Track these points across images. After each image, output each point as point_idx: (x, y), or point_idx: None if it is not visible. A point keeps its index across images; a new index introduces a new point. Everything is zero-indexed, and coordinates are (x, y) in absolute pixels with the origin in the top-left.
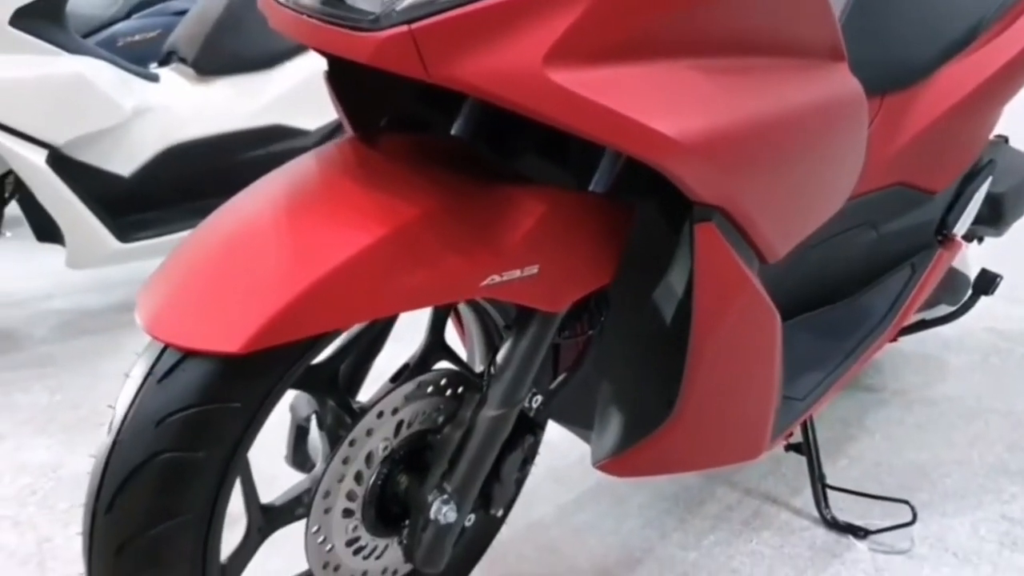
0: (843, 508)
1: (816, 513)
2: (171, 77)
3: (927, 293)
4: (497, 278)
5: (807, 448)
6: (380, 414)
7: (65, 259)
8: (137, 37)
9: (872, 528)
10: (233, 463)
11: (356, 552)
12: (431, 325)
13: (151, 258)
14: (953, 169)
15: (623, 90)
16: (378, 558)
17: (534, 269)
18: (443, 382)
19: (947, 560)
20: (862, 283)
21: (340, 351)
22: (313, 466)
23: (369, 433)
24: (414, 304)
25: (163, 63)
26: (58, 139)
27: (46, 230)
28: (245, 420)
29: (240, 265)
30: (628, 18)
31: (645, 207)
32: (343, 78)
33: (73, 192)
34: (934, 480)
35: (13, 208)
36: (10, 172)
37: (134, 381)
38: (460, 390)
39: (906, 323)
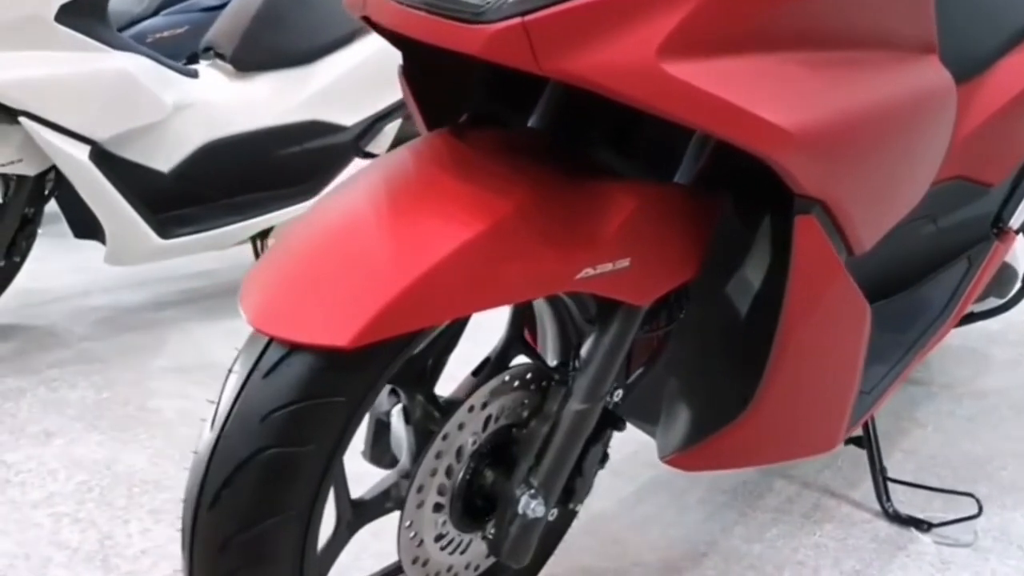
0: (903, 501)
1: (876, 506)
2: (209, 73)
3: (983, 286)
4: (591, 271)
5: (868, 441)
6: (471, 408)
7: (105, 256)
8: (166, 34)
9: (935, 521)
10: (335, 458)
11: (443, 547)
12: (511, 319)
13: (190, 254)
14: (1010, 161)
15: (737, 82)
16: (462, 553)
17: (626, 262)
18: (528, 376)
19: (1012, 553)
20: (920, 276)
21: (427, 345)
22: (392, 461)
23: (460, 427)
24: (513, 297)
25: (192, 59)
26: (101, 135)
27: (85, 227)
28: (348, 414)
29: (346, 258)
30: (740, 10)
31: (729, 200)
32: (419, 73)
33: (115, 188)
34: (990, 473)
35: (47, 205)
36: (50, 170)
37: (237, 376)
38: (544, 384)
39: (962, 316)
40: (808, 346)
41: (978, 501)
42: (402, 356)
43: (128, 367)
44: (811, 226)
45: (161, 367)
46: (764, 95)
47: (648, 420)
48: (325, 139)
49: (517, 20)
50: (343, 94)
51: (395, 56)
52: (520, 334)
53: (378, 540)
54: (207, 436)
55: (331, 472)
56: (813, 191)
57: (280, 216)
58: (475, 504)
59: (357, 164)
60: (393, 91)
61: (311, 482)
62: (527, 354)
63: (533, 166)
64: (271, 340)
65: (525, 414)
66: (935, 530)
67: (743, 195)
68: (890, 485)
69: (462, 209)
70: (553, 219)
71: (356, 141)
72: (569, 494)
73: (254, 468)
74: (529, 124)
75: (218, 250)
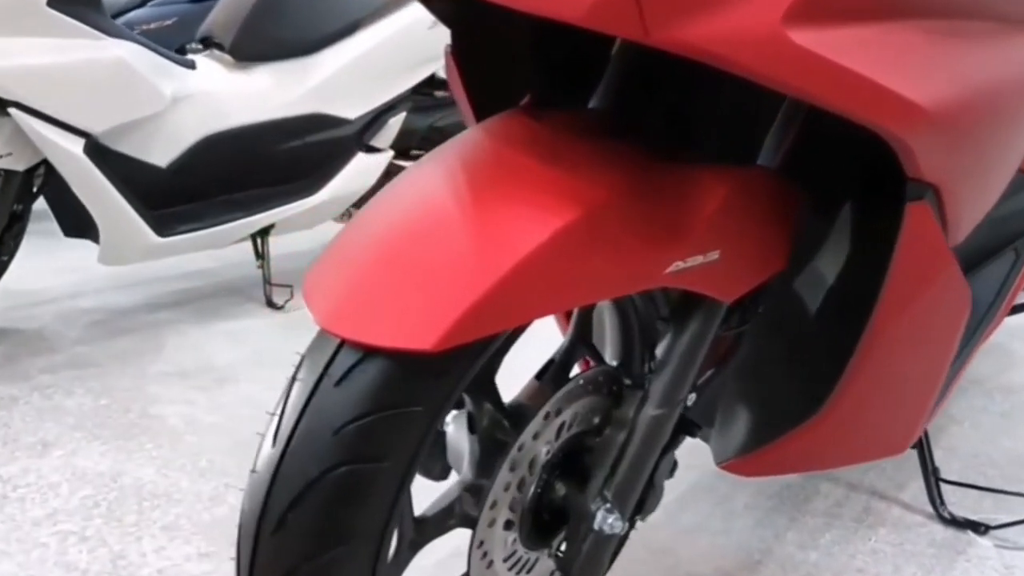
0: (954, 503)
1: (927, 508)
2: (208, 64)
3: None
4: (681, 264)
5: (919, 441)
6: (547, 416)
7: (98, 255)
8: (153, 25)
9: (993, 523)
10: (409, 474)
11: (512, 567)
12: (577, 319)
13: (188, 253)
14: None
15: (866, 52)
16: (528, 572)
17: (715, 255)
18: (601, 379)
19: None
20: (969, 269)
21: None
22: (442, 472)
23: (535, 437)
24: (603, 293)
25: (181, 53)
26: (97, 127)
27: (75, 225)
28: (426, 425)
29: (424, 251)
30: None
31: (813, 186)
32: (468, 54)
33: (111, 183)
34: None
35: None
36: (39, 165)
37: (304, 384)
38: (617, 389)
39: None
40: (902, 341)
41: None
42: (481, 359)
43: (126, 372)
44: (924, 213)
45: (160, 372)
46: (895, 67)
47: (699, 423)
48: (328, 133)
49: None
50: (346, 86)
51: (402, 45)
52: (585, 334)
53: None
54: (268, 452)
55: (405, 489)
56: (930, 174)
57: (281, 213)
58: (543, 519)
59: (361, 159)
60: (398, 83)
61: (385, 501)
62: (591, 355)
63: (615, 149)
64: (342, 343)
65: (597, 420)
66: (992, 532)
67: (820, 182)
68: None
69: (551, 196)
70: (644, 207)
71: (360, 135)
72: (640, 506)
73: (325, 487)
74: (590, 106)
75: (217, 248)
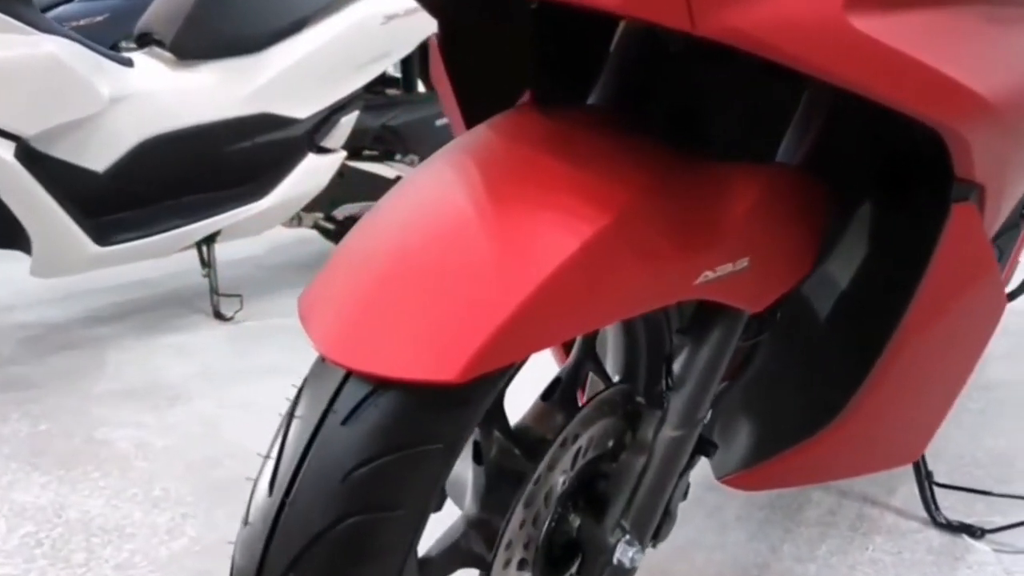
0: (947, 506)
1: (920, 513)
2: (147, 62)
3: (1013, 273)
4: (710, 274)
5: None
6: (563, 443)
7: (31, 267)
8: (83, 21)
9: (988, 527)
10: (424, 521)
11: None
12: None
13: (129, 263)
14: None
15: (929, 40)
16: None
17: (745, 262)
18: (617, 399)
19: None
20: None
21: None
22: (440, 505)
23: (552, 467)
24: (636, 308)
25: (115, 48)
26: (29, 130)
27: (4, 235)
28: (443, 465)
29: (441, 266)
30: None
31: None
32: (456, 49)
33: (45, 190)
34: (1020, 469)
35: None
36: None
37: (304, 422)
38: (633, 409)
39: None
40: (933, 347)
41: None
42: (503, 384)
43: (67, 393)
44: (971, 214)
45: (105, 391)
46: (958, 56)
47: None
48: (277, 133)
49: None
50: (295, 85)
51: (353, 42)
52: (592, 350)
53: None
54: (265, 502)
55: (419, 538)
56: (980, 173)
57: (228, 218)
58: (555, 554)
59: (312, 160)
60: (349, 81)
61: (399, 554)
62: (597, 373)
63: (637, 147)
64: (349, 374)
65: (611, 444)
66: (988, 536)
67: (838, 179)
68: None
69: (577, 200)
70: (673, 210)
71: (310, 135)
72: (656, 535)
73: (333, 541)
74: (589, 102)
75: (160, 257)
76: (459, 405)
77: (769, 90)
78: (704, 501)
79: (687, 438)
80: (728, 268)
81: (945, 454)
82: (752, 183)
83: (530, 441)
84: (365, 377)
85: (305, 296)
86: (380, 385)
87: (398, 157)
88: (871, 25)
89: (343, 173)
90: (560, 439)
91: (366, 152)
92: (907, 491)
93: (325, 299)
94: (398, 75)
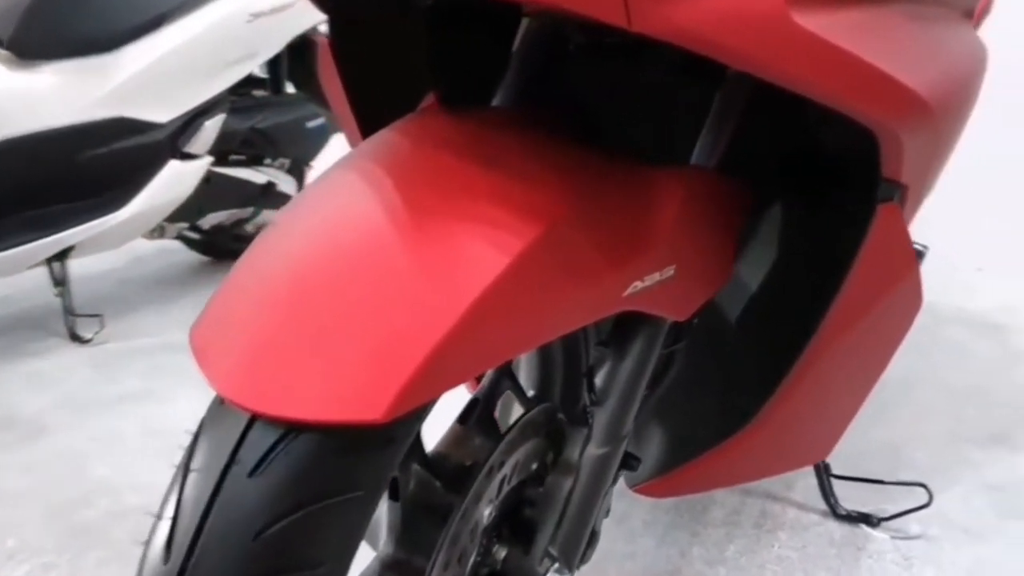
0: (844, 497)
1: (819, 505)
2: None
3: None
4: (639, 284)
5: None
6: (489, 471)
7: None
8: None
9: (884, 515)
10: (347, 572)
11: None
12: None
13: None
14: None
15: (868, 39)
16: None
17: (671, 270)
18: (541, 420)
19: (961, 538)
20: None
21: None
22: None
23: (478, 499)
24: (565, 327)
25: None
26: None
27: None
28: (367, 511)
29: (354, 290)
30: None
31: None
32: (351, 50)
33: None
34: (906, 458)
35: None
36: None
37: (205, 475)
38: (556, 428)
39: None
40: (852, 346)
41: (928, 491)
42: (426, 416)
43: None
44: (895, 215)
45: None
46: (894, 55)
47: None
48: (135, 139)
49: None
50: (153, 87)
51: (217, 41)
52: (509, 367)
53: None
54: (160, 570)
55: None
56: (906, 173)
57: (83, 232)
58: None
59: (174, 167)
60: (213, 82)
61: None
62: (514, 391)
63: (555, 151)
64: (254, 418)
65: (535, 466)
66: (884, 524)
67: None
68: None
69: (501, 210)
70: (601, 218)
71: (172, 140)
72: (582, 558)
73: None
74: (494, 103)
75: (7, 276)
76: (381, 446)
77: (682, 90)
78: (611, 509)
79: (613, 454)
80: (656, 277)
81: (838, 446)
82: (675, 187)
83: (451, 471)
84: (274, 421)
85: (198, 327)
86: (291, 429)
87: (268, 161)
88: (814, 22)
89: (209, 179)
90: (486, 468)
91: (233, 157)
92: (805, 484)
93: (222, 331)
94: (265, 76)
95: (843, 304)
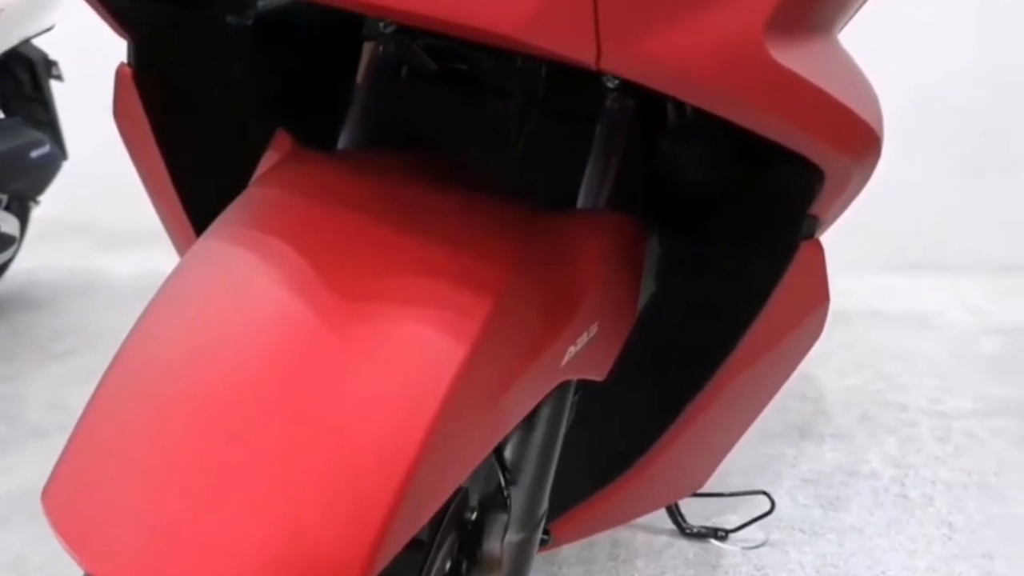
0: (687, 514)
1: (666, 525)
2: None
3: None
4: (573, 350)
5: None
6: None
7: None
8: None
9: (730, 527)
10: None
11: None
12: None
13: None
14: None
15: (828, 72)
16: None
17: (595, 328)
18: (458, 512)
19: (800, 538)
20: None
21: None
22: None
23: None
24: (517, 416)
25: None
26: None
27: None
28: None
29: (277, 426)
30: None
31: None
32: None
33: None
34: (727, 463)
35: None
36: None
37: None
38: (474, 516)
39: None
40: (749, 383)
41: (770, 498)
42: None
43: None
44: (817, 251)
45: None
46: (846, 87)
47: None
48: None
49: None
50: None
51: None
52: None
53: None
54: None
55: None
56: (828, 210)
57: None
58: None
59: None
60: None
61: None
62: None
63: (470, 202)
64: None
65: (448, 565)
66: (732, 536)
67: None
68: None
69: (439, 284)
70: (535, 281)
71: None
72: None
73: None
74: (340, 145)
75: None
76: None
77: (557, 125)
78: None
79: (532, 538)
80: (585, 339)
81: None
82: (591, 235)
83: None
84: None
85: (53, 489)
86: None
87: None
88: (786, 56)
89: None
90: None
91: None
92: None
93: (92, 497)
94: None
95: (751, 341)
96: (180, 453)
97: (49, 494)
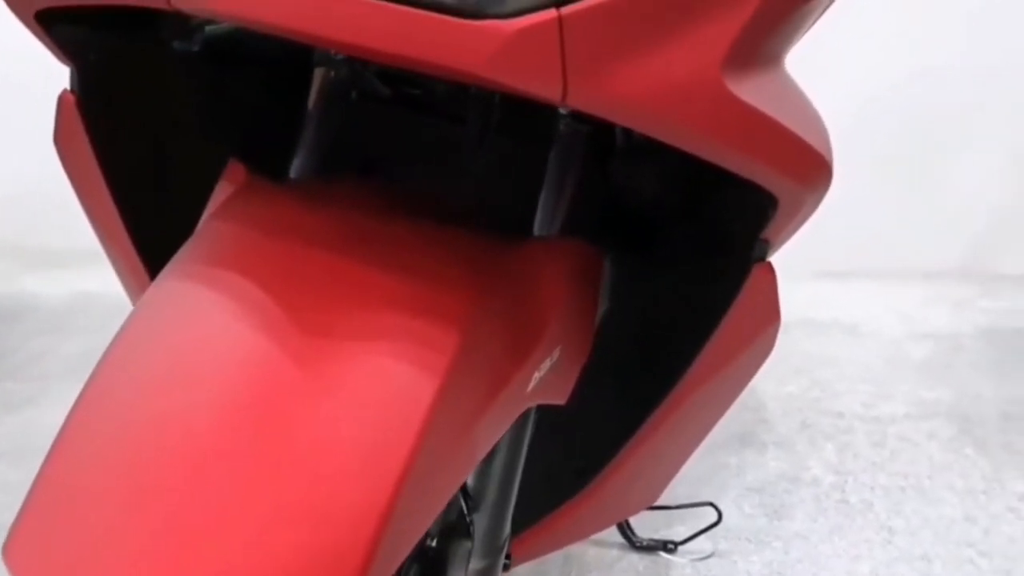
0: (636, 525)
1: (615, 539)
2: None
3: None
4: (538, 375)
5: None
6: None
7: None
8: None
9: (679, 539)
10: None
11: None
12: None
13: None
14: None
15: (780, 104)
16: None
17: (558, 352)
18: (423, 539)
19: (747, 547)
20: None
21: None
22: None
23: None
24: (486, 446)
25: None
26: None
27: None
28: None
29: (249, 468)
30: (785, 14)
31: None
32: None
33: None
34: (688, 479)
35: None
36: None
37: None
38: (439, 547)
39: None
40: (702, 401)
41: (718, 509)
42: None
43: None
44: (768, 274)
45: None
46: (798, 118)
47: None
48: None
49: (552, 12)
50: None
51: None
52: None
53: None
54: None
55: None
56: (779, 234)
57: None
58: None
59: None
60: None
61: None
62: None
63: (419, 229)
64: None
65: None
66: (680, 548)
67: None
68: None
69: (407, 317)
70: (499, 308)
71: None
72: None
73: None
74: (292, 174)
75: None
76: None
77: (511, 149)
78: None
79: (496, 564)
80: (548, 364)
81: None
82: (549, 261)
83: None
84: None
85: (16, 543)
86: None
87: None
88: (742, 89)
89: None
90: None
91: None
92: None
93: (56, 549)
94: None
95: (705, 359)
96: (142, 506)
97: (12, 549)
